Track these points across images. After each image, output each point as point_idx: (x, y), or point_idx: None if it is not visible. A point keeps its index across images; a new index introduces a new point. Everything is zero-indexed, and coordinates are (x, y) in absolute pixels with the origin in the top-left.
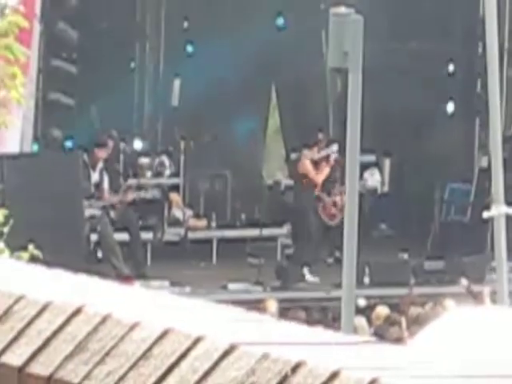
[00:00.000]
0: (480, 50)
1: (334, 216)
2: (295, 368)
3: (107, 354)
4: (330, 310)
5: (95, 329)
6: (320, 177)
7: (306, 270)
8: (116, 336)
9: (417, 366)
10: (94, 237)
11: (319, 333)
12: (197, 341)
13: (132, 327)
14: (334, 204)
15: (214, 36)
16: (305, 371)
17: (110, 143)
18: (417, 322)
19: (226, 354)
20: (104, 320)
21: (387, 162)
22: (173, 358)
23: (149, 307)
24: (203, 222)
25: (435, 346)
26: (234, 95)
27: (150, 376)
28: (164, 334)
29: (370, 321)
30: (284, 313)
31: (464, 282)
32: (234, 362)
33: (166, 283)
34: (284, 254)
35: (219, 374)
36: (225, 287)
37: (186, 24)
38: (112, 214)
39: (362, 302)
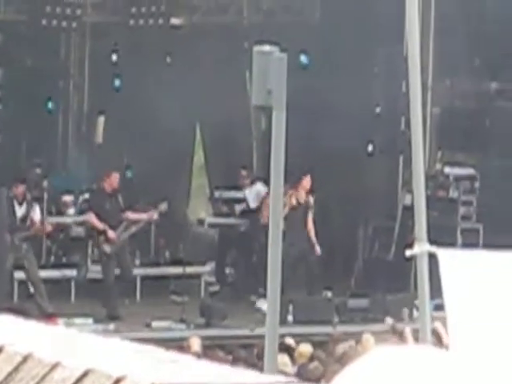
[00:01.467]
0: (403, 88)
1: None
2: None
3: None
4: (255, 348)
5: (16, 368)
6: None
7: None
8: (37, 376)
9: None
10: (18, 274)
11: (239, 373)
12: (117, 381)
13: (53, 367)
14: None
15: (140, 72)
16: None
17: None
18: (340, 361)
19: None
20: (25, 359)
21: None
22: None
23: (70, 347)
24: None
25: None
26: (159, 132)
27: None
28: (85, 374)
29: (293, 359)
30: (208, 351)
31: (389, 320)
32: None
33: (90, 321)
34: (208, 292)
35: None
36: (149, 325)
37: (113, 60)
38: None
39: (290, 341)
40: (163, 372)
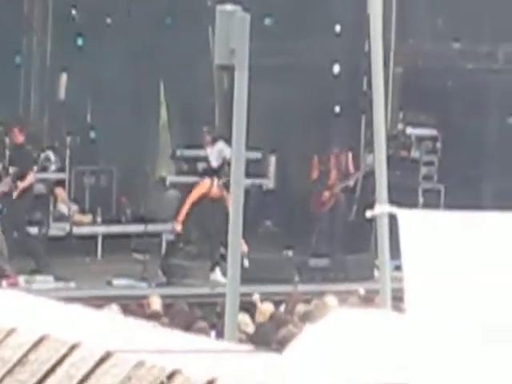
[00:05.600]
0: (366, 48)
1: None
2: (171, 376)
3: None
4: (216, 307)
5: None
6: None
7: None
8: None
9: (288, 377)
10: None
11: (195, 340)
12: (73, 347)
13: (9, 333)
14: None
15: (104, 31)
16: (180, 379)
17: None
18: (304, 320)
19: (101, 360)
20: None
21: (273, 159)
22: (49, 365)
23: (26, 312)
24: (88, 218)
25: (311, 352)
26: (122, 91)
27: (26, 382)
28: (40, 341)
29: (253, 318)
30: (168, 309)
31: (361, 291)
32: (110, 369)
33: (51, 278)
34: (170, 250)
35: (95, 381)
36: (110, 283)
37: (74, 17)
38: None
39: (256, 297)
40: (119, 339)
